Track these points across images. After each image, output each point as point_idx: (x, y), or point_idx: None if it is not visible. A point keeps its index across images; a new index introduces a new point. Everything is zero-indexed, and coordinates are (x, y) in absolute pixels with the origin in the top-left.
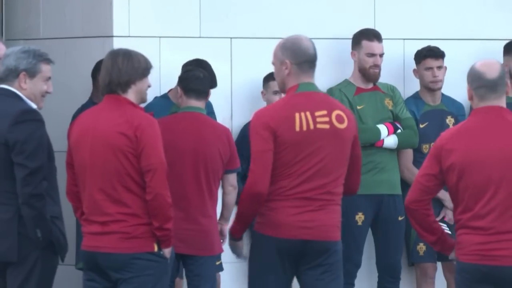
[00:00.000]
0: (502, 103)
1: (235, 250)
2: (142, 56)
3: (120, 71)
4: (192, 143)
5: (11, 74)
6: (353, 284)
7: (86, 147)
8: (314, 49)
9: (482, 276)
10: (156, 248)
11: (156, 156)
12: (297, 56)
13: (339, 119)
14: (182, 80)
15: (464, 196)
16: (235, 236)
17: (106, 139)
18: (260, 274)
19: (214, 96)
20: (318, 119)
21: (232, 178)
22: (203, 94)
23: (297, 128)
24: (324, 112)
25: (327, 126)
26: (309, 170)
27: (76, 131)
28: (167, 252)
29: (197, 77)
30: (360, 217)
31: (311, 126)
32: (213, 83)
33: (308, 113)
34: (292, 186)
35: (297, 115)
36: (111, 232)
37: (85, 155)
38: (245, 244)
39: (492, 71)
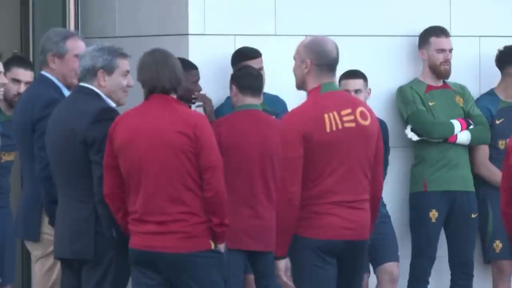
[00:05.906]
0: None
1: (279, 271)
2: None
3: (171, 71)
4: (256, 141)
5: (89, 74)
6: (427, 282)
7: (139, 148)
8: (337, 53)
9: None
10: (213, 245)
11: (214, 153)
12: (319, 58)
13: (363, 116)
14: (236, 77)
15: None
16: (277, 253)
17: (164, 138)
18: (309, 277)
19: (290, 95)
20: (345, 118)
21: None
22: (258, 90)
23: (328, 129)
24: (349, 110)
25: (353, 125)
26: (343, 170)
27: (124, 133)
28: (222, 247)
29: (252, 74)
30: (433, 214)
31: (340, 126)
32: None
33: (335, 113)
34: (330, 188)
35: (326, 116)
36: (171, 232)
37: (138, 155)
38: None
39: None
